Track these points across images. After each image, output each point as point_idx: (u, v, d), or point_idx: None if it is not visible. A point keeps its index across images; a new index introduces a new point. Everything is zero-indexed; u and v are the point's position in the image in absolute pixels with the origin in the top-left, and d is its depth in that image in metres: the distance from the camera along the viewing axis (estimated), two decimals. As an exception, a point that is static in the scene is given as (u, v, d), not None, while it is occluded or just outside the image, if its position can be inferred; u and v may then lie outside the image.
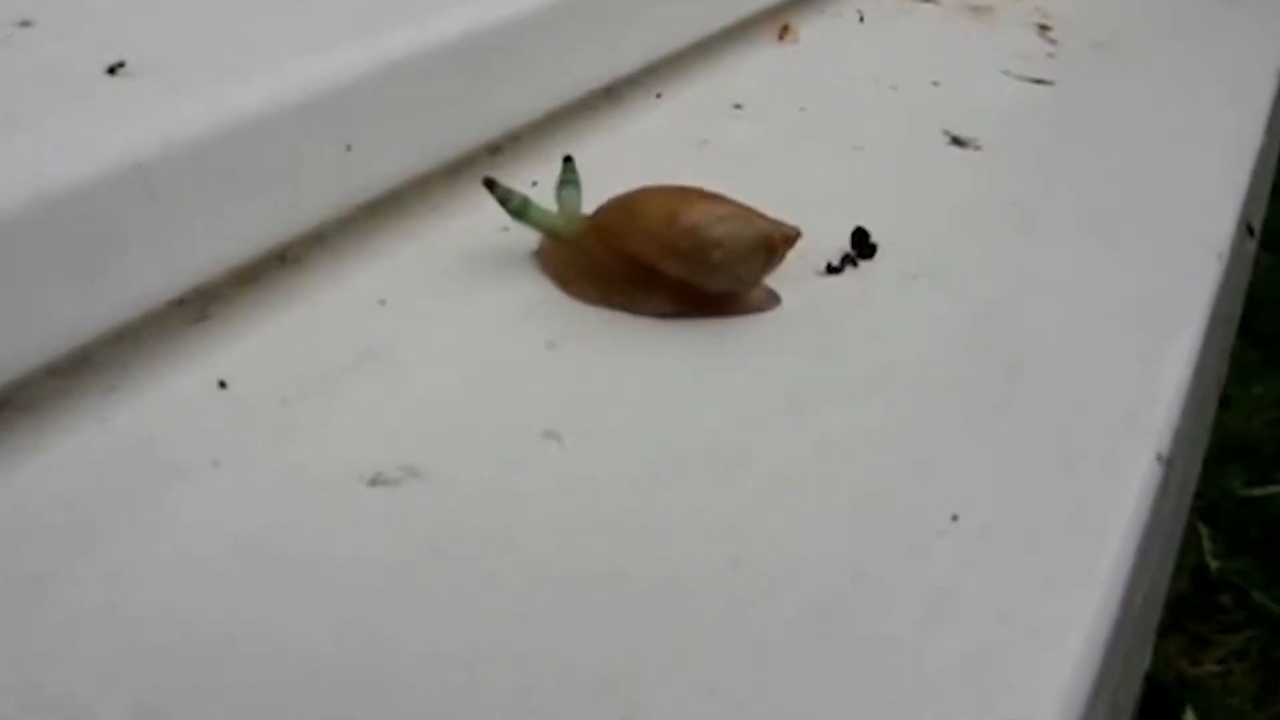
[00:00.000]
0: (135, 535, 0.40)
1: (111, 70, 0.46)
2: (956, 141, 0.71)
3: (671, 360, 0.51)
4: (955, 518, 0.45)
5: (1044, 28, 0.91)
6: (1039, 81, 0.81)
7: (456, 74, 0.56)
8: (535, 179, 0.60)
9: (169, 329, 0.48)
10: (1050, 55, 0.86)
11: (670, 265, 0.53)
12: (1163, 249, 0.64)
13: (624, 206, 0.55)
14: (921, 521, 0.45)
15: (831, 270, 0.58)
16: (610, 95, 0.69)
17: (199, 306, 0.49)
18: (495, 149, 0.62)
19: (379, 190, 0.54)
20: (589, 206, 0.56)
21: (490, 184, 0.54)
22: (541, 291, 0.55)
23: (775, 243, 0.54)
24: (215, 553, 0.40)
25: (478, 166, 0.61)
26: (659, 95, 0.72)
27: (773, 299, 0.56)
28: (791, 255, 0.55)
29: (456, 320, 0.52)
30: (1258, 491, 1.79)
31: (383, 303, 0.52)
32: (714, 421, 0.48)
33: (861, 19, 0.87)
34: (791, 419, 0.49)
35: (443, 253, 0.56)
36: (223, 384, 0.47)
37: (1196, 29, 0.99)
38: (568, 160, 0.56)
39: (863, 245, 0.59)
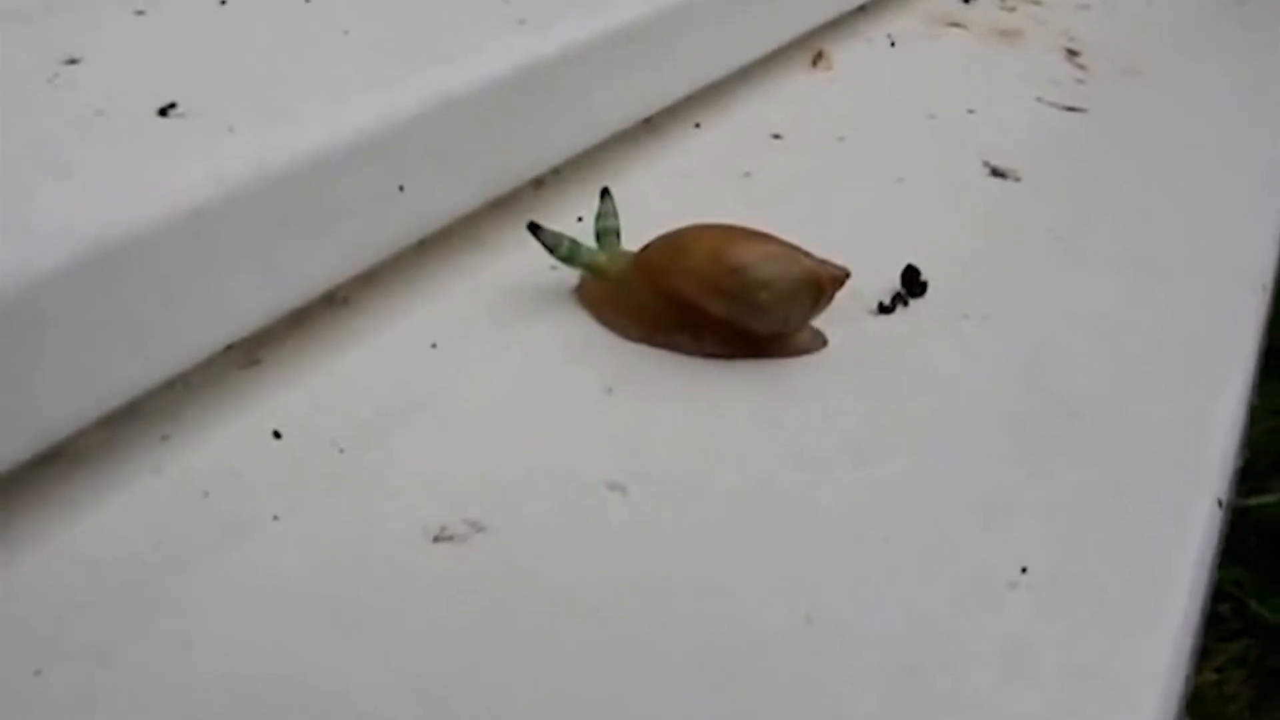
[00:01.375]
0: (197, 595, 0.39)
1: (163, 111, 0.45)
2: (996, 173, 0.71)
3: (730, 405, 0.50)
4: (1024, 569, 0.45)
5: (1072, 52, 0.90)
6: (1072, 109, 0.81)
7: (505, 109, 0.55)
8: (580, 214, 0.59)
9: (219, 374, 0.47)
10: (1080, 81, 0.86)
11: (715, 305, 0.52)
12: (1207, 282, 0.64)
13: (669, 244, 0.54)
14: (991, 573, 0.44)
15: (883, 310, 0.57)
16: (650, 126, 0.68)
17: (249, 350, 0.48)
18: (538, 183, 0.61)
19: (430, 229, 0.53)
20: (633, 240, 0.55)
21: (535, 229, 0.53)
22: (593, 332, 0.54)
23: (823, 283, 0.53)
24: (279, 613, 0.39)
25: (522, 201, 0.60)
26: (698, 125, 0.71)
27: (819, 340, 0.55)
28: (841, 293, 0.54)
29: (510, 363, 0.51)
30: (1254, 501, 1.79)
31: (434, 346, 0.51)
32: (778, 469, 0.47)
33: (893, 44, 0.87)
34: (854, 466, 0.48)
35: (491, 291, 0.55)
36: (277, 434, 0.46)
37: (1221, 54, 0.98)
38: (605, 194, 0.55)
39: (913, 283, 0.59)
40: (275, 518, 0.42)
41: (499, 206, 0.58)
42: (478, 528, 0.43)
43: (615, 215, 0.55)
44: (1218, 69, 0.94)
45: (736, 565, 0.43)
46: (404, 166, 0.50)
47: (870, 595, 0.43)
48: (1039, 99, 0.82)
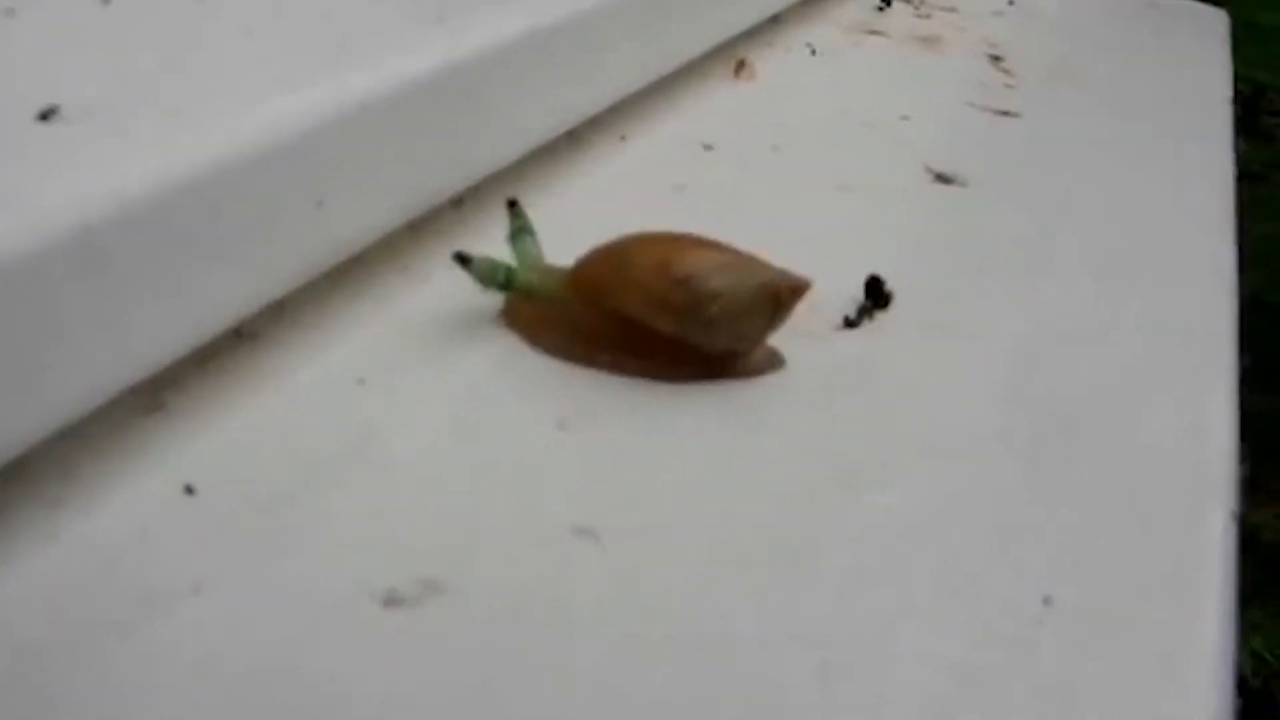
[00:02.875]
0: (106, 685, 0.33)
1: (44, 116, 0.38)
2: (941, 178, 0.67)
3: (698, 434, 0.45)
4: (1048, 600, 0.40)
5: (995, 58, 0.87)
6: (1006, 113, 0.77)
7: (427, 114, 0.49)
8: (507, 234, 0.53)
9: (118, 423, 0.40)
10: (1009, 86, 0.82)
11: (662, 321, 0.47)
12: (1173, 284, 0.61)
13: (608, 256, 0.48)
14: (1014, 607, 0.40)
15: (849, 324, 0.53)
16: (573, 139, 0.63)
17: (150, 394, 0.41)
18: (458, 203, 0.55)
19: (351, 250, 0.47)
20: (564, 258, 0.49)
21: (463, 259, 0.47)
22: (533, 359, 0.48)
23: (781, 295, 0.48)
24: (207, 700, 0.33)
25: (441, 221, 0.54)
26: (623, 138, 0.66)
27: (775, 360, 0.50)
28: (800, 308, 0.49)
29: (448, 399, 0.45)
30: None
31: (361, 382, 0.45)
32: (762, 505, 0.42)
33: (813, 52, 0.83)
34: (846, 496, 0.43)
35: (418, 320, 0.49)
36: (190, 489, 0.39)
37: (1139, 59, 0.97)
38: (513, 205, 0.49)
39: (878, 295, 0.54)
40: (196, 589, 0.36)
41: (417, 229, 0.52)
42: (434, 588, 0.37)
43: (529, 227, 0.49)
44: (1140, 73, 0.92)
45: (735, 614, 0.38)
46: (322, 179, 0.43)
47: (887, 639, 0.38)
48: (970, 104, 0.78)
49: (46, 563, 0.36)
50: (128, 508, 0.38)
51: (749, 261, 0.48)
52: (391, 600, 0.36)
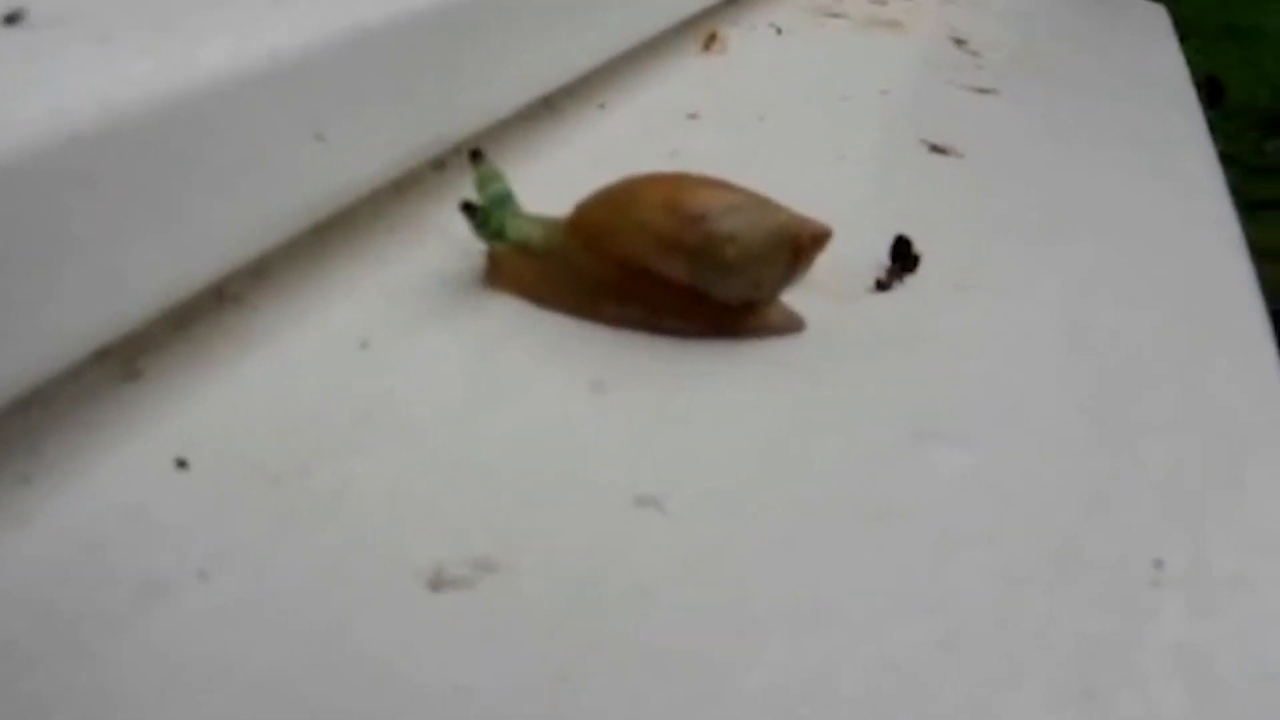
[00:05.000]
0: (105, 692, 0.27)
1: (10, 19, 0.32)
2: (936, 149, 0.63)
3: (746, 392, 0.40)
4: (1159, 563, 0.36)
5: (959, 40, 0.84)
6: (984, 90, 0.74)
7: (428, 50, 0.43)
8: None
9: (87, 391, 0.34)
10: (980, 66, 0.79)
11: (673, 265, 0.42)
12: (1188, 249, 0.57)
13: (612, 198, 0.43)
14: (1127, 572, 0.36)
15: (881, 286, 0.48)
16: (550, 106, 0.57)
17: (124, 360, 0.35)
18: (439, 164, 0.49)
19: (349, 196, 0.41)
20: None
21: (469, 208, 0.42)
22: (547, 319, 0.42)
23: (801, 240, 0.43)
24: (225, 706, 0.27)
25: (425, 183, 0.49)
26: (602, 106, 0.61)
27: (793, 320, 0.45)
28: (828, 270, 0.44)
29: (466, 362, 0.39)
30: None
31: (365, 345, 0.39)
32: (832, 465, 0.37)
33: (779, 31, 0.79)
34: (922, 455, 0.38)
35: (412, 282, 0.43)
36: (181, 462, 0.33)
37: (1094, 45, 0.95)
38: (475, 156, 0.44)
39: (906, 256, 0.49)
40: (201, 574, 0.30)
41: (401, 190, 0.47)
42: (487, 567, 0.31)
43: (500, 176, 0.44)
44: (1101, 58, 0.90)
45: (830, 586, 0.33)
46: (323, 107, 0.38)
47: (1006, 609, 0.33)
48: (948, 81, 0.75)
49: (21, 547, 0.30)
50: (109, 484, 0.32)
51: (764, 203, 0.43)
52: (439, 581, 0.31)
